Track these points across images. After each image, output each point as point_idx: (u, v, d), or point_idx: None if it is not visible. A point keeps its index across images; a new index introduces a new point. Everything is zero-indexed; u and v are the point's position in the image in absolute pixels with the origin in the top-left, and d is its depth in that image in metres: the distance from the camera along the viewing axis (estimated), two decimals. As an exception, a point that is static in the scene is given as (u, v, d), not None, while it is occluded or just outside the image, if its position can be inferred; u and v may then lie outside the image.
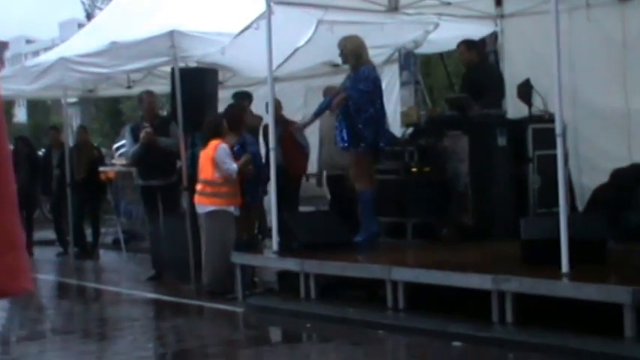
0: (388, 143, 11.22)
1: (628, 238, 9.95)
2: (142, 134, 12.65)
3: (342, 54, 11.12)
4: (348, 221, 11.58)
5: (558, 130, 8.35)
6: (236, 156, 11.47)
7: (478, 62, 12.42)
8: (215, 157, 11.31)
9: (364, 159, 11.00)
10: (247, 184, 11.62)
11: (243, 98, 14.17)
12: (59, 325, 10.68)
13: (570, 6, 12.00)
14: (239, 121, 12.04)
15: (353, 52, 10.99)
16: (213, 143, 11.42)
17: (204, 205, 11.44)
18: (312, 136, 14.08)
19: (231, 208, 11.39)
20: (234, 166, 11.23)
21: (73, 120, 22.75)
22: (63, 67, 14.47)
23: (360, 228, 11.19)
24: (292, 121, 13.57)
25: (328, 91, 12.52)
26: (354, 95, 10.82)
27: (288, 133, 13.32)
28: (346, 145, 10.95)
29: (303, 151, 13.92)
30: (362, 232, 11.07)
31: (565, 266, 8.08)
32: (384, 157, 11.38)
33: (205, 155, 11.47)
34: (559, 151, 8.36)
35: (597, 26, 12.08)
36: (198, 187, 11.55)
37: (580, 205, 11.53)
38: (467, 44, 12.45)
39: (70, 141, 16.96)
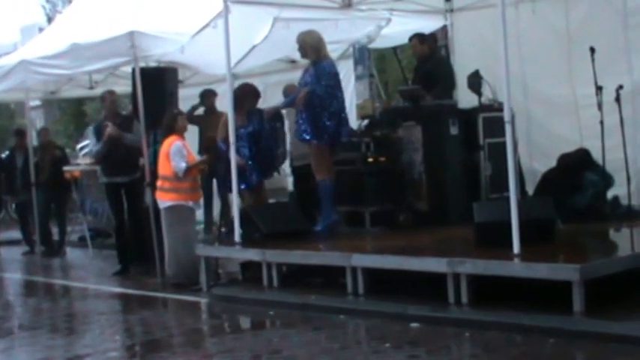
0: (347, 135, 11.47)
1: (575, 218, 10.25)
2: (107, 131, 12.75)
3: (301, 49, 11.30)
4: (315, 211, 11.82)
5: (507, 117, 8.53)
6: (240, 136, 11.64)
7: (429, 55, 12.66)
8: (169, 153, 11.56)
9: (325, 151, 11.25)
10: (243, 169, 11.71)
11: (209, 95, 14.39)
12: (27, 322, 10.73)
13: (517, -1, 12.40)
14: (244, 103, 12.00)
15: (312, 46, 11.19)
16: (169, 140, 11.65)
17: (163, 200, 11.69)
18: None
19: (190, 203, 11.66)
20: (182, 164, 11.43)
21: (37, 122, 22.78)
22: (24, 70, 14.56)
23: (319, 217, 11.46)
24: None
25: (289, 89, 12.73)
26: (319, 91, 11.00)
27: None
28: (308, 137, 11.16)
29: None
30: (321, 220, 11.37)
31: (516, 247, 8.30)
32: (341, 148, 11.58)
33: (162, 152, 11.71)
34: (508, 138, 8.55)
35: (543, 18, 12.47)
36: (158, 182, 11.79)
37: (530, 190, 11.74)
38: (419, 37, 12.70)
39: (34, 142, 17.10)
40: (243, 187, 11.84)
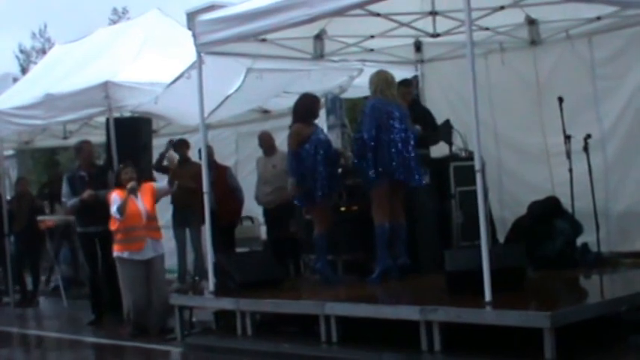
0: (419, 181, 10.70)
1: (545, 266, 10.37)
2: (83, 196, 12.65)
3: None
4: (283, 257, 11.77)
5: (477, 166, 8.58)
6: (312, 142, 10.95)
7: (415, 102, 12.44)
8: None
9: (375, 191, 10.73)
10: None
11: (182, 146, 14.43)
12: (0, 373, 10.67)
13: (486, 50, 12.60)
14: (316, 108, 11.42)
15: (370, 85, 10.89)
16: (108, 196, 11.69)
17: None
18: (246, 180, 14.37)
19: (125, 254, 11.56)
20: (113, 208, 11.40)
21: (10, 171, 22.74)
22: (-1, 120, 14.64)
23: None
24: (223, 165, 13.83)
25: (264, 137, 12.63)
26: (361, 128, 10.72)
27: (221, 178, 13.60)
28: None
29: (236, 194, 14.18)
30: (376, 268, 10.84)
31: (487, 295, 8.30)
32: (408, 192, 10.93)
33: None
34: (478, 187, 8.58)
35: (512, 68, 12.66)
36: None
37: (501, 238, 11.85)
38: (411, 83, 12.57)
39: (7, 192, 17.07)
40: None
